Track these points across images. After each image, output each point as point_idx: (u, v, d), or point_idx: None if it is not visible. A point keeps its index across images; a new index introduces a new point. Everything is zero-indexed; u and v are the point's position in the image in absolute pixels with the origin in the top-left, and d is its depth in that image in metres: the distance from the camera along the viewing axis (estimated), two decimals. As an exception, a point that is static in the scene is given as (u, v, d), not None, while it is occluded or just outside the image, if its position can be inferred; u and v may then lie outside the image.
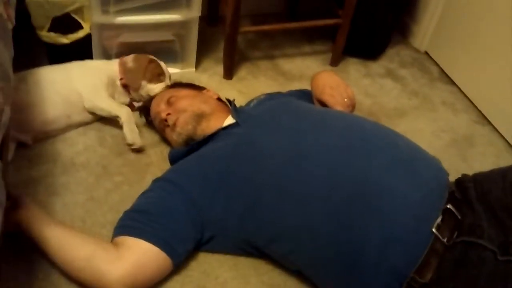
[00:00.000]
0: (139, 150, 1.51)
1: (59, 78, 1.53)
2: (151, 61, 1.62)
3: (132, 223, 1.13)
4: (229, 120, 1.35)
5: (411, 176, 1.07)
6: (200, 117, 1.37)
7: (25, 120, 1.44)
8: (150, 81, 1.60)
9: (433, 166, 1.16)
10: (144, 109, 1.57)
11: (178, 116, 1.39)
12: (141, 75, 1.59)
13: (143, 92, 1.61)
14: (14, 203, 1.14)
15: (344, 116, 1.26)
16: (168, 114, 1.41)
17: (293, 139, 1.16)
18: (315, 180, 1.08)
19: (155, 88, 1.59)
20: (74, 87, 1.52)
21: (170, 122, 1.40)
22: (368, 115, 1.80)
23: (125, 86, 1.62)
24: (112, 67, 1.62)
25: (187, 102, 1.42)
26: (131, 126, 1.49)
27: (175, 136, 1.40)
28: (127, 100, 1.65)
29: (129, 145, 1.49)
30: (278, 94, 1.52)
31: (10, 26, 1.30)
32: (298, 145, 1.14)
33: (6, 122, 1.08)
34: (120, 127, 1.50)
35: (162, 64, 1.64)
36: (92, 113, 1.55)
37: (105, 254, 1.08)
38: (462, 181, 1.12)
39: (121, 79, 1.60)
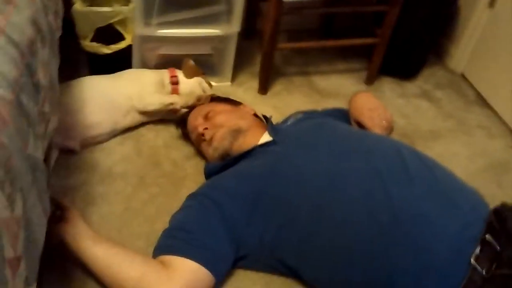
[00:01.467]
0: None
1: (105, 83, 1.59)
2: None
3: (177, 243, 1.13)
4: (266, 137, 1.36)
5: (449, 207, 1.06)
6: (237, 132, 1.38)
7: (71, 126, 1.48)
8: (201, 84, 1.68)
9: (472, 197, 1.14)
10: (182, 122, 1.59)
11: (215, 131, 1.40)
12: (198, 74, 1.68)
13: (195, 87, 1.66)
14: (61, 215, 1.15)
15: (384, 141, 1.25)
16: (206, 128, 1.42)
17: (332, 161, 1.16)
18: (353, 204, 1.08)
19: (208, 88, 1.68)
20: (122, 91, 1.58)
21: (207, 136, 1.41)
22: (402, 136, 1.78)
23: (175, 84, 1.65)
24: (161, 73, 1.67)
25: (224, 117, 1.44)
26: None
27: (211, 151, 1.41)
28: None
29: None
30: (315, 113, 1.52)
31: (57, 35, 1.34)
32: (336, 168, 1.14)
33: (52, 131, 1.12)
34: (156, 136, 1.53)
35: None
36: (142, 113, 1.60)
37: (156, 275, 1.07)
38: (501, 211, 1.10)
39: (172, 76, 1.66)
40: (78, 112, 1.49)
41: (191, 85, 1.66)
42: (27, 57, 0.93)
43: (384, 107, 1.41)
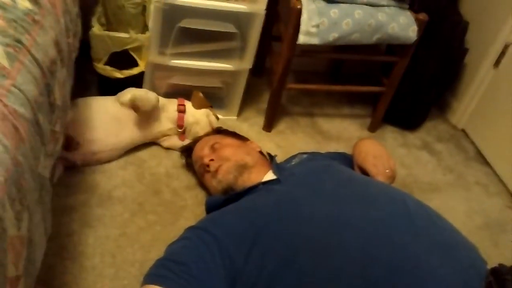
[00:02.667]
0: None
1: (109, 102, 1.61)
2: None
3: (168, 274, 1.09)
4: (270, 175, 1.36)
5: (451, 261, 1.06)
6: (242, 168, 1.39)
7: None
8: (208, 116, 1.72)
9: (472, 253, 1.14)
10: (186, 151, 1.59)
11: (221, 163, 1.41)
12: (206, 106, 1.72)
13: (202, 118, 1.70)
14: None
15: (389, 190, 1.25)
16: (211, 160, 1.43)
17: (335, 206, 1.15)
18: (353, 251, 1.07)
19: (214, 121, 1.72)
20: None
21: (212, 168, 1.42)
22: (401, 186, 1.79)
23: (182, 112, 1.68)
24: (169, 100, 1.69)
25: (231, 151, 1.44)
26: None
27: (215, 183, 1.41)
28: (171, 126, 1.68)
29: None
30: (319, 155, 1.53)
31: (74, 56, 1.36)
32: (339, 213, 1.13)
33: (59, 150, 1.12)
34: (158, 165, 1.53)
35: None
36: (131, 108, 1.58)
37: None
38: (500, 273, 1.10)
39: (180, 104, 1.69)
40: (80, 127, 1.50)
41: (197, 116, 1.68)
42: (47, 77, 0.95)
43: (389, 155, 1.42)
